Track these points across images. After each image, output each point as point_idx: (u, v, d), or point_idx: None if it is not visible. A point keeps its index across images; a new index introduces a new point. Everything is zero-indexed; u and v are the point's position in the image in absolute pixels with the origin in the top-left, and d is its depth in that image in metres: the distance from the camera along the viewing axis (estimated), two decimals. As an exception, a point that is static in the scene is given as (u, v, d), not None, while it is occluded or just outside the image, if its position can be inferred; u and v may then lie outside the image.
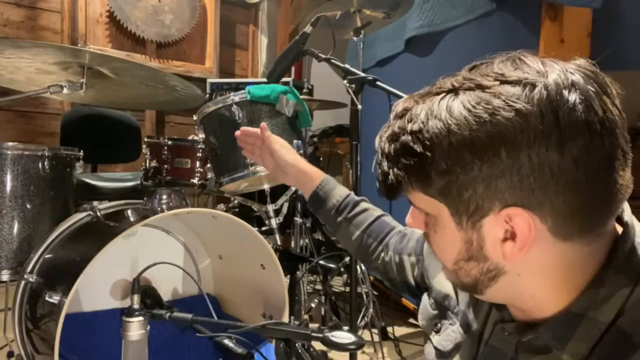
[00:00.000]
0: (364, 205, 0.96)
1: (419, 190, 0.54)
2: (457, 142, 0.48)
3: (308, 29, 1.47)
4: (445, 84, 0.53)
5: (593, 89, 0.47)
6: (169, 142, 1.58)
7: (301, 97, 1.57)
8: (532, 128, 0.46)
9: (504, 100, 0.48)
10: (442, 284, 0.73)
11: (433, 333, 0.73)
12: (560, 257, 0.51)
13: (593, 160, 0.47)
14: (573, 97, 0.47)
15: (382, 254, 0.90)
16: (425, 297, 0.78)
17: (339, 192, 0.97)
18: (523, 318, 0.58)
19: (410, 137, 0.52)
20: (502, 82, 0.49)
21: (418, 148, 0.51)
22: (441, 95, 0.52)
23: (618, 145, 0.48)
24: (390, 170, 0.54)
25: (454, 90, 0.51)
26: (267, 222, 1.82)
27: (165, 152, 1.57)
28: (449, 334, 0.69)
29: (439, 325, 0.72)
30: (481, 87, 0.50)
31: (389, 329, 2.18)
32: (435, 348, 0.71)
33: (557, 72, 0.48)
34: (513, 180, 0.47)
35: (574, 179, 0.47)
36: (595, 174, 0.47)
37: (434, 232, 0.57)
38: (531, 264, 0.51)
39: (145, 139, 1.62)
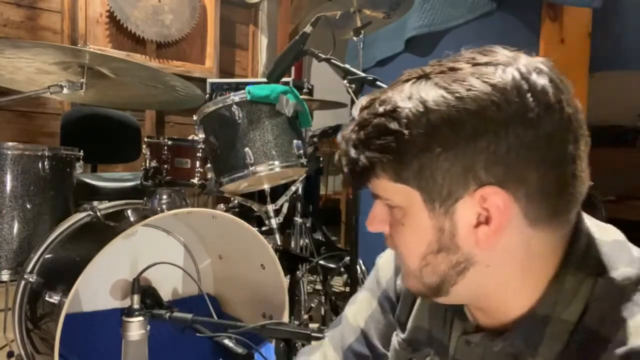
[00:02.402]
0: None
1: (390, 177, 0.51)
2: (435, 119, 0.48)
3: (308, 29, 1.47)
4: (412, 73, 0.53)
5: (556, 77, 0.50)
6: (169, 142, 1.58)
7: (301, 97, 1.57)
8: (510, 103, 0.47)
9: (478, 78, 0.48)
10: (419, 318, 0.67)
11: None
12: (527, 245, 0.51)
13: (564, 138, 0.48)
14: (543, 79, 0.49)
15: None
16: (393, 339, 0.70)
17: None
18: (487, 323, 0.57)
19: (383, 118, 0.50)
20: (475, 64, 0.50)
21: (394, 126, 0.49)
22: (411, 81, 0.51)
23: (583, 129, 0.50)
24: (361, 155, 0.51)
25: (425, 75, 0.51)
26: (267, 222, 1.81)
27: (165, 152, 1.57)
28: None
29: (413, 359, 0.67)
30: (453, 70, 0.50)
31: (389, 329, 2.17)
32: None
33: (524, 58, 0.50)
34: (491, 157, 0.47)
35: (547, 157, 0.48)
36: (565, 154, 0.49)
37: (401, 226, 0.54)
38: (501, 251, 0.51)
39: (145, 139, 1.62)
